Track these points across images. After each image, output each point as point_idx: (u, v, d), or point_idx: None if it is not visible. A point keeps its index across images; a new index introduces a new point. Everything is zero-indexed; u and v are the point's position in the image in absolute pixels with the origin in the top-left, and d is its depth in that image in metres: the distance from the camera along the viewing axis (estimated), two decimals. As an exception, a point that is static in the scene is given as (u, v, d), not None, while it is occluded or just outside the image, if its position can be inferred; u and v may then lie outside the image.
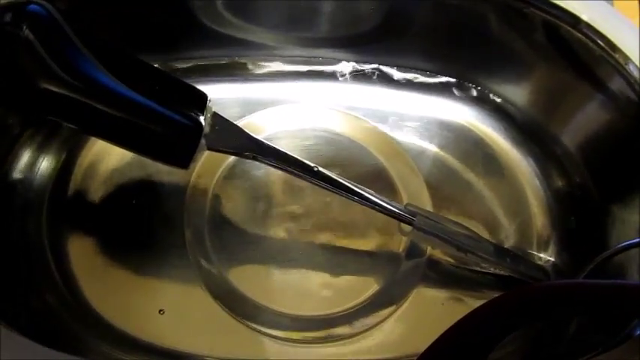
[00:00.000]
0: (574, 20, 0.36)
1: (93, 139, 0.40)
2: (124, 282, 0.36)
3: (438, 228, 0.35)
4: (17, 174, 0.38)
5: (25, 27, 0.27)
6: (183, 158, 0.32)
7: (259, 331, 0.35)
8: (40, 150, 0.39)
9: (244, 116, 0.42)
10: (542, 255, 0.39)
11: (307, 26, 0.42)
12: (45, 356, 0.26)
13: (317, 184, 0.34)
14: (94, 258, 0.37)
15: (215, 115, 0.33)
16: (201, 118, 0.32)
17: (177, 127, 0.31)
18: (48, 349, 0.26)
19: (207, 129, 0.32)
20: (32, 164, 0.39)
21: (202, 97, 0.33)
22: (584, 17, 0.35)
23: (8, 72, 0.28)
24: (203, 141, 0.32)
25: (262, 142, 0.34)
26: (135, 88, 0.30)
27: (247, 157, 0.34)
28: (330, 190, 0.34)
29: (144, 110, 0.30)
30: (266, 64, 0.44)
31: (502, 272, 0.37)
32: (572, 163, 0.40)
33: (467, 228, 0.36)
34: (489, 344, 0.26)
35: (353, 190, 0.34)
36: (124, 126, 0.30)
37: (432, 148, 0.42)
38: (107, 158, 0.40)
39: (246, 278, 0.36)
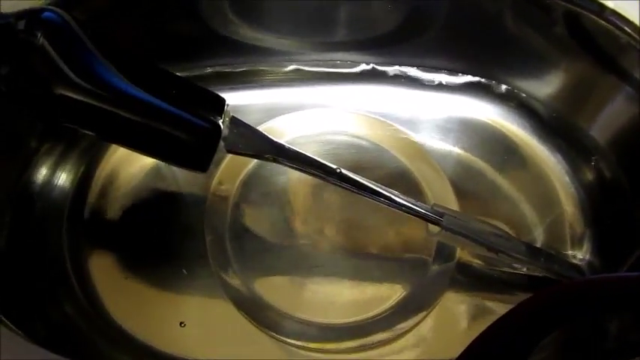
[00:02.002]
0: (599, 8, 0.35)
1: (111, 151, 0.40)
2: (145, 293, 0.36)
3: (467, 228, 0.34)
4: (36, 186, 0.38)
5: (39, 34, 0.27)
6: (202, 161, 0.32)
7: (284, 341, 0.34)
8: (59, 162, 0.39)
9: (265, 122, 0.41)
10: (576, 253, 0.38)
11: (324, 31, 0.42)
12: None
13: (340, 186, 0.34)
14: (113, 269, 0.37)
15: (234, 118, 0.33)
16: (219, 121, 0.32)
17: (195, 130, 0.31)
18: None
19: (225, 132, 0.32)
20: (51, 176, 0.39)
21: (220, 101, 0.33)
22: (610, 4, 0.35)
23: (24, 79, 0.28)
24: (222, 144, 0.32)
25: (282, 145, 0.34)
26: (152, 93, 0.30)
27: (268, 160, 0.34)
28: (354, 192, 0.34)
29: (161, 114, 0.30)
30: (284, 69, 0.44)
31: (535, 273, 0.35)
32: (603, 157, 0.39)
33: (496, 227, 0.35)
34: (527, 347, 0.25)
35: (377, 191, 0.34)
36: (141, 130, 0.30)
37: (456, 147, 0.42)
38: (126, 169, 0.40)
39: (269, 287, 0.36)
